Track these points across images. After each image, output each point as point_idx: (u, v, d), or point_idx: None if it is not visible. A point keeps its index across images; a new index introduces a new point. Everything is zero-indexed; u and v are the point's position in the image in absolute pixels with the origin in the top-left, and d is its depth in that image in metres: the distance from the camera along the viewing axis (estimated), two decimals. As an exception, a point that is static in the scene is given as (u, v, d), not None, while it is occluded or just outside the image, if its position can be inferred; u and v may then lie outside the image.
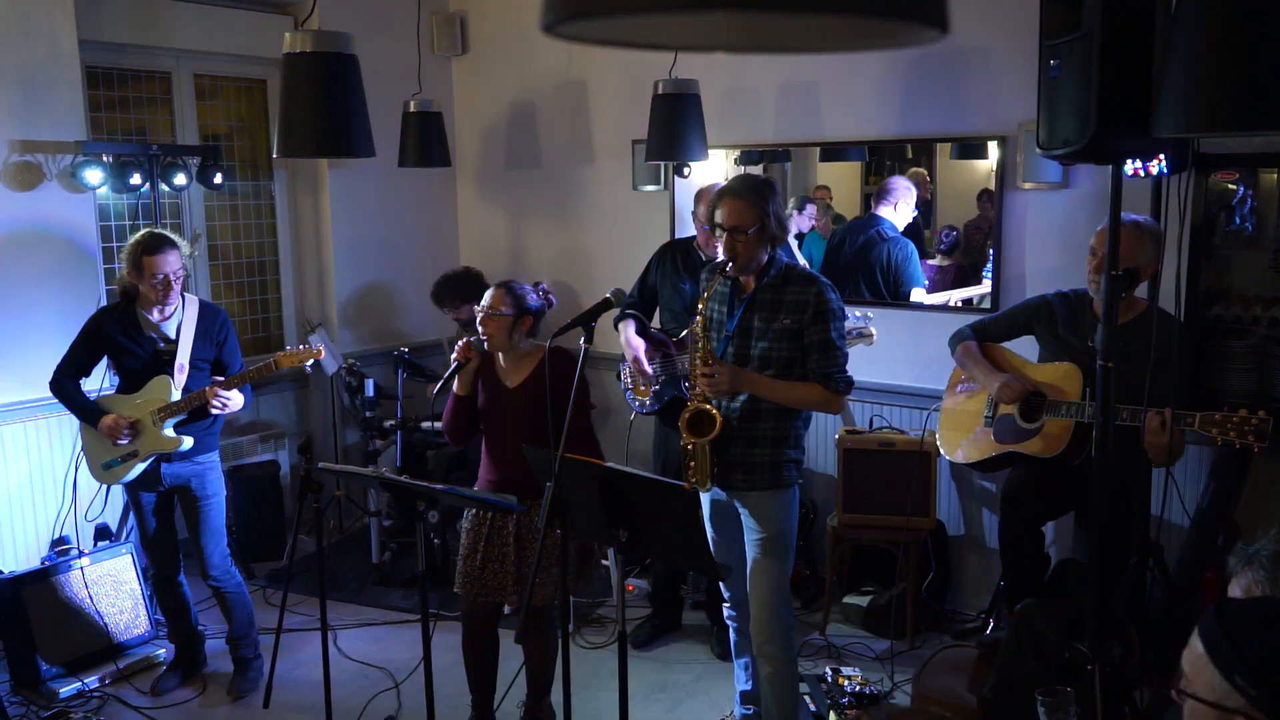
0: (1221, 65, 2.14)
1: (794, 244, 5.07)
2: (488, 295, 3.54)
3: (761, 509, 3.27)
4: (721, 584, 3.58)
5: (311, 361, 3.97)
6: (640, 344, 4.24)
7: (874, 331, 4.21)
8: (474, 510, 3.57)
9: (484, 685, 3.69)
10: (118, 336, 3.89)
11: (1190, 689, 1.49)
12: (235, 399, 3.86)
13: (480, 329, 3.52)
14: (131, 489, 4.01)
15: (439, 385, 3.49)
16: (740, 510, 3.34)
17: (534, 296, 3.61)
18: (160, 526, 4.04)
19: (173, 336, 3.91)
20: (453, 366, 3.51)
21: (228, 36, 5.25)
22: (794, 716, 3.40)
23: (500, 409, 3.56)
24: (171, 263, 3.81)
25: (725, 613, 3.63)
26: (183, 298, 3.96)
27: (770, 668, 3.33)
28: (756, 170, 5.17)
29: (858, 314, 4.21)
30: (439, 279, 5.51)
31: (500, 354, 3.58)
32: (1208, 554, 3.84)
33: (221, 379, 3.86)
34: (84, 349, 3.94)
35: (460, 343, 3.54)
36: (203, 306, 4.00)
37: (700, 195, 4.39)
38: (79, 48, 4.56)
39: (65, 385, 3.93)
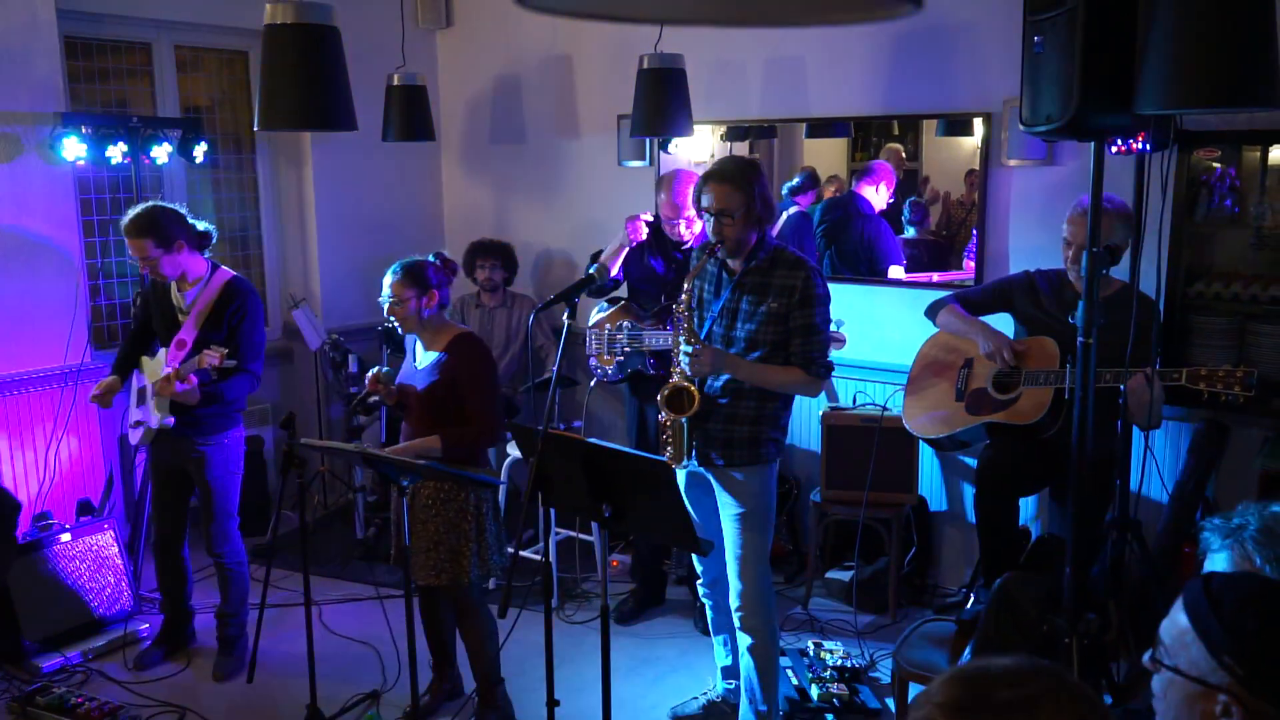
0: (1204, 42, 2.14)
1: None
2: (388, 286, 3.47)
3: (741, 484, 3.28)
4: (696, 562, 3.60)
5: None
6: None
7: (845, 335, 4.24)
8: (395, 490, 3.54)
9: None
10: (153, 304, 4.00)
11: (1171, 661, 1.46)
12: (188, 390, 3.69)
13: (391, 318, 3.50)
14: (149, 454, 4.10)
15: (349, 409, 3.52)
16: (717, 486, 3.34)
17: (432, 269, 3.53)
18: (171, 495, 4.06)
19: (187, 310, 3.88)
20: (362, 395, 3.49)
21: (208, 7, 5.18)
22: (775, 688, 3.42)
23: (409, 389, 3.55)
24: (142, 249, 3.75)
25: (700, 591, 3.64)
26: (211, 271, 3.92)
27: (751, 640, 3.36)
28: (742, 146, 5.16)
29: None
30: (469, 247, 5.44)
31: (415, 334, 3.58)
32: (1186, 528, 3.88)
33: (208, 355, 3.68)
34: (138, 317, 4.14)
35: (371, 373, 3.55)
36: (227, 285, 3.89)
37: (662, 181, 4.38)
38: (57, 17, 4.50)
39: (121, 349, 4.12)
